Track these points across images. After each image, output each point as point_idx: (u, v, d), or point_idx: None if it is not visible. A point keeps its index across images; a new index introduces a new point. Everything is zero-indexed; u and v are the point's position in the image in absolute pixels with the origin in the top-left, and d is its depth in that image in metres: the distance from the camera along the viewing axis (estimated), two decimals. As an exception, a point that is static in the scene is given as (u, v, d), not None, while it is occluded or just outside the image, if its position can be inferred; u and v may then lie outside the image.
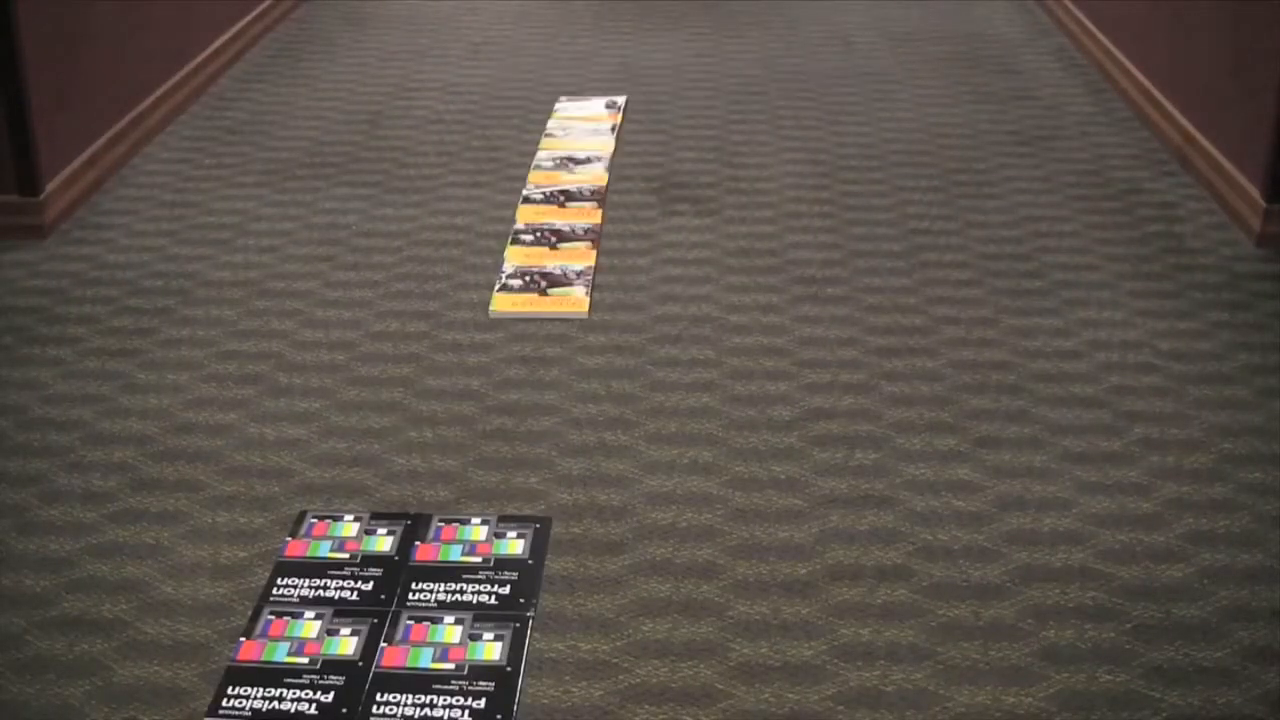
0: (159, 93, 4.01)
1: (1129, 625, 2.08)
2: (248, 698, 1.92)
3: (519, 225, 3.39)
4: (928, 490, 2.40)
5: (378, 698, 1.92)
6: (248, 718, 1.89)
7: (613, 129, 3.93)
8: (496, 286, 3.08)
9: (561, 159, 3.77)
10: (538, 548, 2.23)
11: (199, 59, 4.31)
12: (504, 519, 2.31)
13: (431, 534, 2.26)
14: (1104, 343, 2.87)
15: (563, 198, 3.54)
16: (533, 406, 2.65)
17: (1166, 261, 3.23)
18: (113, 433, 2.56)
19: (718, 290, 3.10)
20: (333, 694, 1.93)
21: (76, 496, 2.37)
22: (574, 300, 3.01)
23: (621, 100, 4.13)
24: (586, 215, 3.44)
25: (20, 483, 2.41)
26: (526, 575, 2.17)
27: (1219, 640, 2.04)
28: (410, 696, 1.92)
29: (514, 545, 2.24)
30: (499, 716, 1.89)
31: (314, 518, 2.30)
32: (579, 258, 3.21)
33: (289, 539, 2.25)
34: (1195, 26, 3.73)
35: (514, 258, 3.21)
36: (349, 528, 2.28)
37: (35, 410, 2.63)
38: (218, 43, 4.47)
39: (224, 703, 1.91)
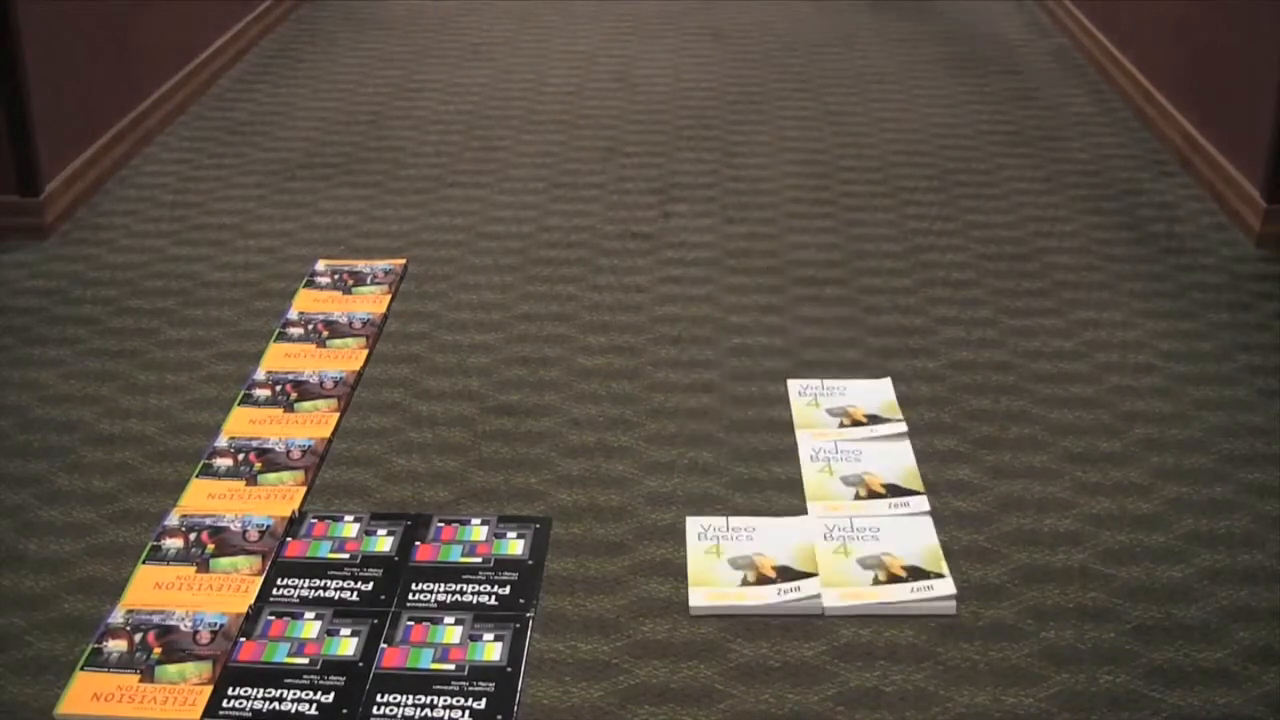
0: (159, 93, 4.01)
1: (1129, 625, 2.07)
2: (248, 698, 1.92)
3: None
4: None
5: (378, 698, 1.92)
6: (248, 718, 1.89)
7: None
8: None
9: None
10: (538, 548, 2.23)
11: (199, 59, 4.31)
12: (504, 519, 2.30)
13: (431, 534, 2.26)
14: (1104, 343, 2.87)
15: None
16: (533, 406, 2.65)
17: (1166, 262, 3.23)
18: (113, 433, 2.56)
19: (718, 290, 3.10)
20: (333, 694, 1.93)
21: (76, 497, 2.37)
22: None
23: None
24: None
25: (20, 483, 2.41)
26: (526, 576, 2.17)
27: (1219, 640, 2.04)
28: (410, 697, 1.92)
29: (514, 546, 2.23)
30: (499, 717, 1.89)
31: (314, 518, 2.30)
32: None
33: (289, 539, 2.25)
34: (1195, 26, 3.73)
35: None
36: (349, 528, 2.28)
37: (35, 410, 2.63)
38: (218, 43, 4.46)
39: (224, 703, 1.91)
